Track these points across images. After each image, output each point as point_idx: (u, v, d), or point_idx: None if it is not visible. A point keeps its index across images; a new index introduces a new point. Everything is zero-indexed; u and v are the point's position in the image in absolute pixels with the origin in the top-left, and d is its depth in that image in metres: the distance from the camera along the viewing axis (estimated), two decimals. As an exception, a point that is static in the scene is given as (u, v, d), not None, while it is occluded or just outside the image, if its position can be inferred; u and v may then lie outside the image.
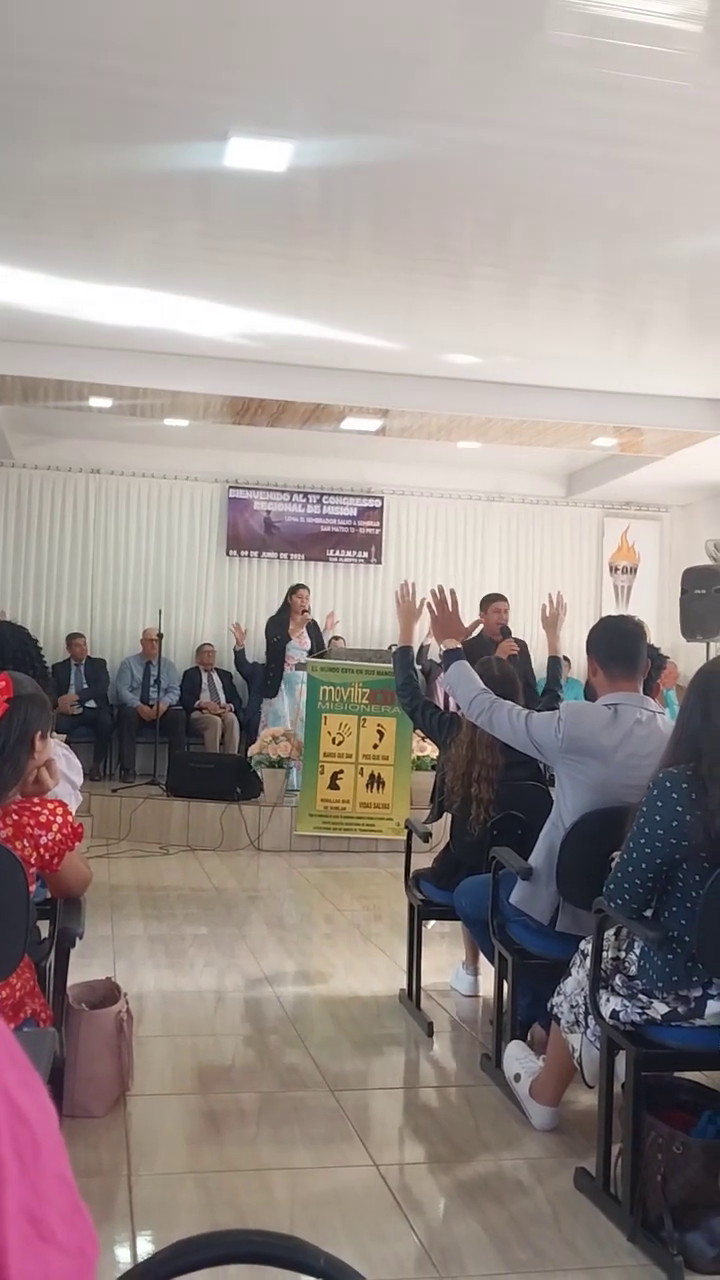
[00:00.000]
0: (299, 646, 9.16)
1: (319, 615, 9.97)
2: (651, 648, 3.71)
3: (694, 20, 3.55)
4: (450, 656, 3.84)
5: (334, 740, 8.09)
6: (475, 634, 7.27)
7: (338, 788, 8.05)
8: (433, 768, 7.67)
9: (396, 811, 7.92)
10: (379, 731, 8.12)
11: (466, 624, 4.04)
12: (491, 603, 8.12)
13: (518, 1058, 3.44)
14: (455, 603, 4.02)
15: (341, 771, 8.08)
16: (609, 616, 3.71)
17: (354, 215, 5.34)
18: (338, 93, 4.10)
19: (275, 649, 9.26)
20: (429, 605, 4.09)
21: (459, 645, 3.90)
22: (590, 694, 3.64)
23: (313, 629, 9.49)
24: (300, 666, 8.65)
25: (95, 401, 8.32)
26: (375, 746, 8.11)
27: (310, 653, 9.11)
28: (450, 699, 5.80)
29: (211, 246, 5.72)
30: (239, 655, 10.30)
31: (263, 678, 9.52)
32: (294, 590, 9.53)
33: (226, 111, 4.26)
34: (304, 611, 9.32)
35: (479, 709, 3.61)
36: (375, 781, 8.09)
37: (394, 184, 4.88)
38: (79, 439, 10.28)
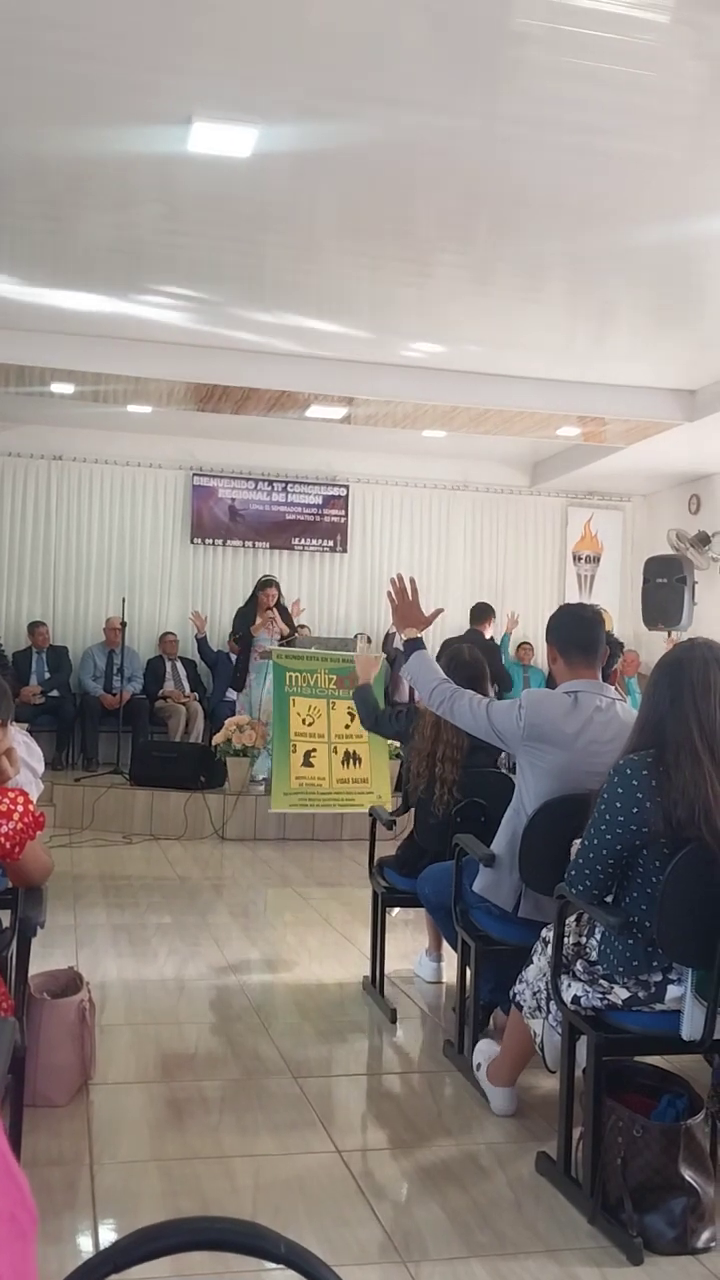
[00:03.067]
0: (267, 637, 9.08)
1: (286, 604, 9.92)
2: (608, 634, 3.73)
3: (658, 10, 3.57)
4: (411, 646, 3.81)
5: (304, 721, 8.02)
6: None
7: (312, 765, 7.93)
8: (396, 757, 7.68)
9: (377, 785, 7.87)
10: (350, 714, 8.07)
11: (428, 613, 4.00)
12: (264, 588, 9.05)
13: (484, 1051, 3.46)
14: (415, 591, 3.98)
15: (314, 750, 7.98)
16: (568, 604, 3.73)
17: (318, 202, 5.31)
18: (303, 77, 4.08)
19: (241, 642, 9.23)
20: (389, 595, 4.04)
21: (420, 635, 3.88)
22: (552, 682, 3.65)
23: (284, 613, 9.38)
24: (265, 655, 8.62)
25: (57, 387, 8.23)
26: (347, 727, 8.00)
27: (283, 639, 9.02)
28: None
29: (174, 231, 5.67)
30: (202, 643, 10.27)
31: (232, 668, 9.49)
32: (262, 586, 9.36)
33: (190, 95, 4.23)
34: (269, 609, 9.17)
35: (440, 699, 3.60)
36: (351, 758, 8.01)
37: (359, 171, 4.87)
38: (40, 425, 10.17)
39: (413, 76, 4.02)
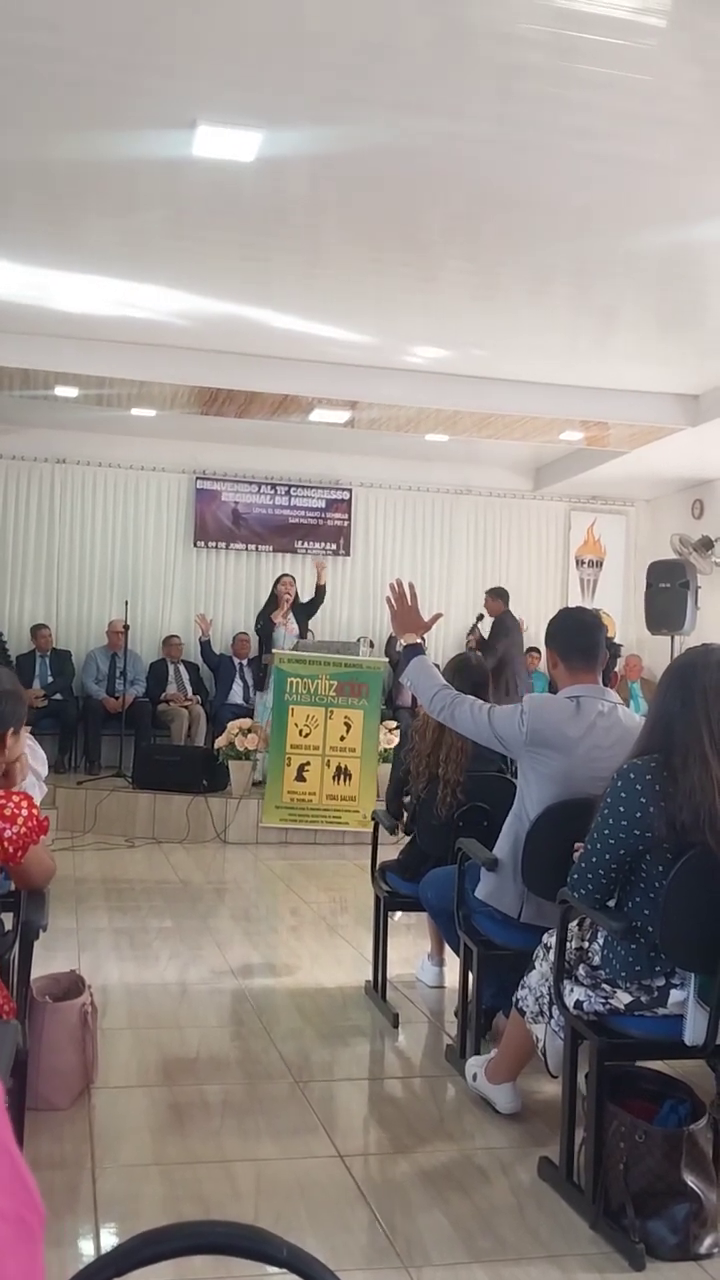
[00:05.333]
0: (287, 634, 9.21)
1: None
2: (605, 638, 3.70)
3: (657, 15, 3.57)
4: (410, 652, 3.76)
5: (301, 732, 8.09)
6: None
7: (304, 779, 8.06)
8: (386, 760, 7.69)
9: (363, 804, 7.93)
10: (346, 724, 8.13)
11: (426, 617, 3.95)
12: (282, 579, 9.47)
13: (477, 1063, 3.45)
14: (414, 596, 3.89)
15: (308, 764, 8.08)
16: (567, 609, 3.70)
17: (323, 206, 5.32)
18: (307, 82, 4.08)
19: (264, 638, 9.42)
20: (388, 600, 3.98)
21: (419, 640, 3.83)
22: (553, 687, 3.64)
23: (299, 609, 9.59)
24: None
25: (61, 390, 8.24)
26: (342, 739, 8.11)
27: (301, 635, 9.35)
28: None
29: (179, 235, 5.68)
30: (205, 646, 10.26)
31: (256, 670, 9.69)
32: (279, 580, 9.77)
33: (195, 99, 4.23)
34: (289, 597, 9.51)
35: (440, 705, 3.58)
36: (342, 773, 8.10)
37: (363, 175, 4.87)
38: (44, 428, 10.17)
39: (417, 81, 4.02)
